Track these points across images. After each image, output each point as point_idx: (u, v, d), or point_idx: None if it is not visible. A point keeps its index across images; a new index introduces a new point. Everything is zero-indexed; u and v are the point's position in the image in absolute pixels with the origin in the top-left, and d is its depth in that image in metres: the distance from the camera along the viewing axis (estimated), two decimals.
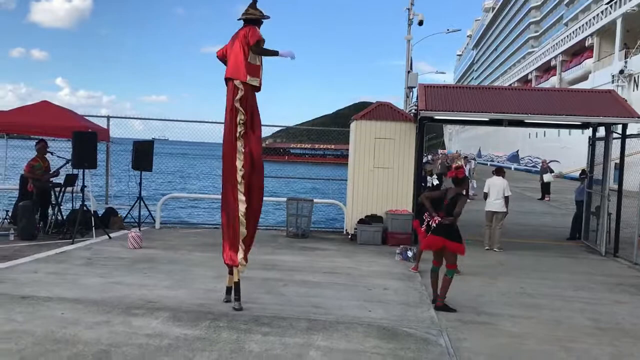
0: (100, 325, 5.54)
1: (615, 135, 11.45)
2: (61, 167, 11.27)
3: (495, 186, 11.59)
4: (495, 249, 11.36)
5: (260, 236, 11.77)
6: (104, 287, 7.10)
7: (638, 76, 35.59)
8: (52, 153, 11.54)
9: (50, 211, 11.35)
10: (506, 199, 11.55)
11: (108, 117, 13.29)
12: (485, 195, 11.75)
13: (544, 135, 48.29)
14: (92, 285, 7.18)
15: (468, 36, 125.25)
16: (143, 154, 12.29)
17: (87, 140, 10.58)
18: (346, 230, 12.59)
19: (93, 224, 10.83)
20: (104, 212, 12.44)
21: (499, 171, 12.13)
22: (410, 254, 9.89)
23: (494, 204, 11.53)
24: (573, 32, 51.12)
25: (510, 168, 58.53)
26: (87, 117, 12.83)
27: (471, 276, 8.76)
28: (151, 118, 14.22)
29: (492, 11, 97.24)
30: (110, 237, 10.79)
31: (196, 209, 20.97)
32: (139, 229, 11.23)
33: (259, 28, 6.52)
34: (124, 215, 12.63)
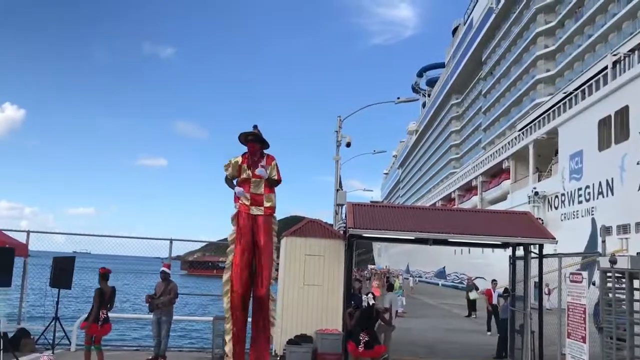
0: None
1: (532, 254, 12.04)
2: None
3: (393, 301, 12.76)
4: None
5: (181, 359, 11.26)
6: None
7: (550, 198, 38.20)
8: None
9: None
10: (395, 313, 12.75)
11: (28, 232, 12.74)
12: (386, 310, 12.10)
13: (469, 252, 49.91)
14: None
15: (394, 156, 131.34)
16: (63, 271, 11.69)
17: (2, 257, 10.05)
18: (275, 351, 12.18)
19: (1, 347, 10.01)
20: (14, 334, 11.56)
21: (391, 287, 13.69)
22: None
23: None
24: (491, 155, 54.65)
25: (437, 284, 59.47)
26: (5, 232, 12.26)
27: None
28: (73, 233, 13.82)
29: (416, 134, 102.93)
30: None
31: (118, 329, 19.78)
32: (52, 352, 10.45)
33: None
34: (37, 337, 11.78)
